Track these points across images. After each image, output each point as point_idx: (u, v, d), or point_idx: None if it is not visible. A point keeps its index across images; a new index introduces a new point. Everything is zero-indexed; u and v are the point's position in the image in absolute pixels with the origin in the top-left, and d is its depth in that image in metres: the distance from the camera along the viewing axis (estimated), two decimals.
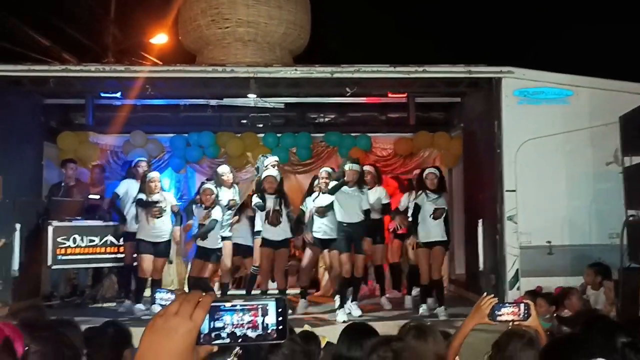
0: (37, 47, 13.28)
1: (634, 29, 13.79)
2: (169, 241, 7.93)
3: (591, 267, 6.83)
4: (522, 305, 2.86)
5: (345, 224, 7.58)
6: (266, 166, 8.22)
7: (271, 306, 1.18)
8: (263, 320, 1.17)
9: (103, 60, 13.65)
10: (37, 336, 1.28)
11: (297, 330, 3.66)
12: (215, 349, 1.19)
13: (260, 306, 1.17)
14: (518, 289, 7.51)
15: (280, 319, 1.17)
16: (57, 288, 8.67)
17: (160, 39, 15.17)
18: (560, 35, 15.96)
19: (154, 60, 14.91)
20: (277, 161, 8.45)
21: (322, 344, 3.60)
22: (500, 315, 2.83)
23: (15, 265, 7.78)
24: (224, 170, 8.35)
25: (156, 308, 5.82)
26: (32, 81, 8.23)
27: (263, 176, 7.82)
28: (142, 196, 7.75)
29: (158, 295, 4.56)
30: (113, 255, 8.37)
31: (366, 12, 17.48)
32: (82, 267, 8.66)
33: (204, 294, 1.19)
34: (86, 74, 8.27)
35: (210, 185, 7.85)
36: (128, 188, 8.25)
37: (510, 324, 2.94)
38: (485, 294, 2.96)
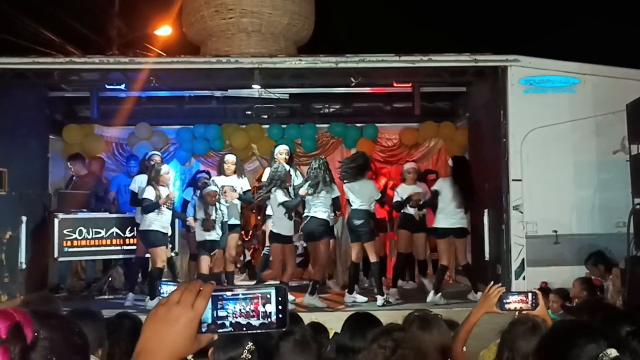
0: (41, 40, 13.30)
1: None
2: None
3: (588, 263, 6.91)
4: (530, 295, 2.85)
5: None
6: (276, 157, 8.18)
7: (272, 295, 1.17)
8: (264, 309, 1.17)
9: (107, 52, 13.65)
10: (46, 323, 1.28)
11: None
12: (216, 337, 1.19)
13: (262, 295, 1.17)
14: (524, 278, 7.49)
15: (280, 307, 1.17)
16: (64, 280, 8.72)
17: (164, 30, 15.17)
18: (566, 24, 15.86)
19: (159, 52, 14.92)
20: (287, 150, 8.34)
21: (330, 335, 3.60)
22: (508, 304, 2.82)
23: (22, 257, 7.82)
24: (229, 158, 8.37)
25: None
26: (36, 74, 8.23)
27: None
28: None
29: (164, 288, 4.57)
30: (119, 247, 8.40)
31: (370, 1, 17.40)
32: (89, 259, 8.71)
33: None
34: (90, 66, 8.26)
35: (213, 187, 7.91)
36: (142, 182, 8.15)
37: (518, 313, 2.93)
38: (492, 282, 2.95)
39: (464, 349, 2.96)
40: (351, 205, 7.85)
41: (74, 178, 8.91)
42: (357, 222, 7.72)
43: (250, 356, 2.22)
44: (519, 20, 16.53)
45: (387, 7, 17.78)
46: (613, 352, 1.92)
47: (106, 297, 8.35)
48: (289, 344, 2.57)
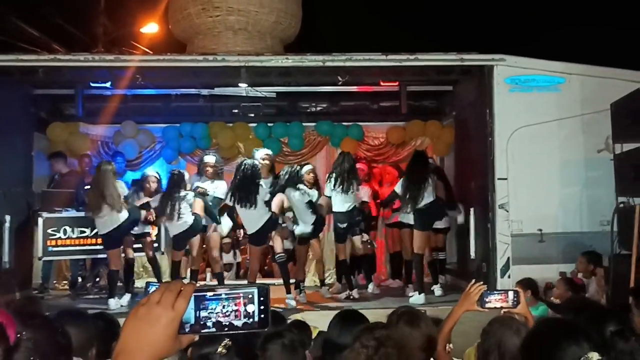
0: (26, 37, 13.15)
1: (625, 19, 13.82)
2: None
3: (584, 255, 6.85)
4: (510, 293, 2.86)
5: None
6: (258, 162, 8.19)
7: (254, 295, 1.16)
8: (246, 309, 1.15)
9: (93, 50, 13.53)
10: (30, 324, 1.27)
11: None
12: (197, 338, 1.17)
13: (244, 294, 1.16)
14: (509, 277, 7.54)
15: (262, 307, 1.16)
16: (48, 280, 8.64)
17: (150, 28, 15.05)
18: (552, 23, 15.97)
19: (145, 49, 14.80)
20: (269, 156, 8.32)
21: (314, 334, 3.59)
22: (489, 302, 2.83)
23: (6, 257, 7.74)
24: (210, 160, 8.34)
25: None
26: (21, 71, 8.15)
27: None
28: None
29: (151, 289, 4.53)
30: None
31: (357, 1, 17.41)
32: (73, 259, 8.64)
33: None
34: (75, 64, 8.20)
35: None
36: None
37: (501, 311, 2.94)
38: (473, 280, 2.96)
39: (451, 346, 2.97)
40: None
41: (56, 177, 8.82)
42: None
43: (225, 351, 2.20)
44: (504, 25, 16.59)
45: (374, 9, 17.81)
46: (595, 355, 1.92)
47: (92, 296, 8.28)
48: (277, 347, 2.55)
